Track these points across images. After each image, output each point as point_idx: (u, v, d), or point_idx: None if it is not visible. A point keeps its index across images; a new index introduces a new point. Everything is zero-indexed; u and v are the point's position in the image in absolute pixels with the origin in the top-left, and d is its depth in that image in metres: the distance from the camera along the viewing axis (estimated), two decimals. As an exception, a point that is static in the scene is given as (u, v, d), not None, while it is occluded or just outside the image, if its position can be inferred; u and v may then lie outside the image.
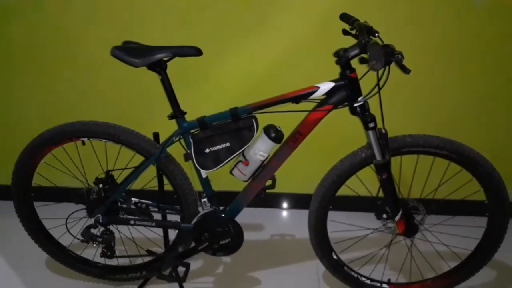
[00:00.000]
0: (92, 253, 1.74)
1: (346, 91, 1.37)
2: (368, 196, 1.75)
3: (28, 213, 1.69)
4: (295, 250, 1.99)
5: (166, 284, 1.73)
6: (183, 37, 1.94)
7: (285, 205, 2.35)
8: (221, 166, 1.49)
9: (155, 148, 1.53)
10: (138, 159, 1.61)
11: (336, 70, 1.39)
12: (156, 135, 1.64)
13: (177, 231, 1.69)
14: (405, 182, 1.68)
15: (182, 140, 1.51)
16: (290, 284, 1.78)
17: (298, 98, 1.39)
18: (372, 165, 1.46)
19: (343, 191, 1.55)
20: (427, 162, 1.57)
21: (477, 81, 1.96)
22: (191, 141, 1.48)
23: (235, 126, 1.45)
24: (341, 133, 2.01)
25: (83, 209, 1.61)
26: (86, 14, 1.94)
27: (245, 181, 1.55)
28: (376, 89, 1.36)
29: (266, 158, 1.50)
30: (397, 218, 1.50)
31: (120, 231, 1.75)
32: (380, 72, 1.30)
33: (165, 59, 1.42)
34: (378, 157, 1.41)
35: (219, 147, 1.47)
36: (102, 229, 1.60)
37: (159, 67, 1.43)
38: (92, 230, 1.58)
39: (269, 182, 1.58)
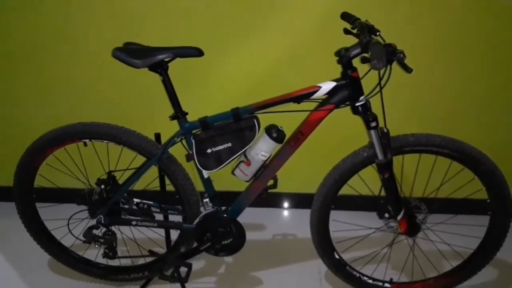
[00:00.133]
0: (94, 253, 1.74)
1: (348, 90, 1.37)
2: (370, 195, 1.75)
3: (30, 214, 1.69)
4: (297, 249, 1.99)
5: (168, 284, 1.73)
6: (184, 37, 1.93)
7: (287, 204, 2.35)
8: (223, 167, 1.49)
9: (157, 149, 1.53)
10: (140, 160, 1.61)
11: (337, 70, 1.39)
12: (157, 136, 1.64)
13: (179, 231, 1.69)
14: (407, 181, 1.68)
15: (183, 141, 1.51)
16: (292, 283, 1.78)
17: (300, 97, 1.39)
18: (374, 165, 1.46)
19: (345, 190, 1.54)
20: (429, 161, 1.56)
21: (478, 79, 1.96)
22: (193, 141, 1.48)
23: (237, 126, 1.45)
24: (343, 132, 2.01)
25: (85, 210, 1.61)
26: (86, 14, 1.94)
27: (247, 181, 1.55)
28: (377, 88, 1.36)
29: (268, 158, 1.50)
30: (399, 217, 1.50)
31: (122, 231, 1.75)
32: (382, 71, 1.30)
33: (167, 60, 1.42)
34: (380, 156, 1.41)
35: (221, 147, 1.47)
36: (104, 229, 1.60)
37: (161, 68, 1.43)
38: (94, 231, 1.58)
39: (271, 182, 1.58)
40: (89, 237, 1.57)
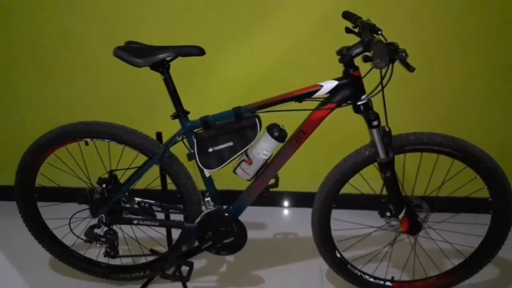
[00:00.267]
0: (96, 252, 1.74)
1: (350, 89, 1.36)
2: (371, 194, 1.76)
3: (31, 214, 1.69)
4: (298, 248, 2.00)
5: (170, 283, 1.74)
6: (185, 36, 1.93)
7: (288, 203, 2.35)
8: (224, 166, 1.49)
9: (158, 148, 1.53)
10: (141, 159, 1.60)
11: (339, 69, 1.39)
12: (159, 135, 1.63)
13: (180, 230, 1.69)
14: (409, 180, 1.68)
15: (185, 140, 1.51)
16: (294, 282, 1.78)
17: (302, 96, 1.39)
18: (375, 163, 1.46)
19: (346, 189, 1.54)
20: (430, 159, 1.56)
21: (479, 78, 1.96)
22: (194, 140, 1.48)
23: (238, 125, 1.45)
24: (345, 131, 2.01)
25: (86, 209, 1.61)
26: (87, 13, 1.94)
27: (248, 180, 1.55)
28: (379, 87, 1.35)
29: (270, 157, 1.49)
30: (400, 216, 1.50)
31: (124, 230, 1.75)
32: (384, 70, 1.30)
33: (168, 59, 1.42)
34: (381, 155, 1.41)
35: (222, 146, 1.46)
36: (105, 229, 1.60)
37: (162, 67, 1.43)
38: (96, 230, 1.59)
39: (272, 181, 1.58)
40: (91, 236, 1.57)
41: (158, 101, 2.01)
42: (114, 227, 1.62)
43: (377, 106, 1.39)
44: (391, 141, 1.40)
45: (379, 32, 1.29)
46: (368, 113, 1.37)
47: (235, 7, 1.87)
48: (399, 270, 1.78)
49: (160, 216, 1.67)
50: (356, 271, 1.67)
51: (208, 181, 1.56)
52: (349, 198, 1.79)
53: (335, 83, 1.36)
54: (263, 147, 1.46)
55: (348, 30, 1.42)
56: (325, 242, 1.61)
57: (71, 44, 2.00)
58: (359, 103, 1.37)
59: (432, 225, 1.61)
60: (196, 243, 1.64)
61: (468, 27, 1.86)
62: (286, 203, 2.35)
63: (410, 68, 1.22)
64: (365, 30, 1.25)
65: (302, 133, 1.44)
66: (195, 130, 1.49)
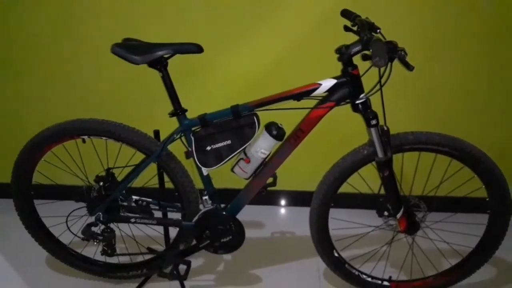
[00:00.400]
0: (93, 251, 1.74)
1: (348, 88, 1.36)
2: (369, 193, 1.75)
3: (28, 211, 1.68)
4: (296, 247, 1.99)
5: (167, 282, 1.73)
6: (183, 34, 1.93)
7: (286, 202, 2.34)
8: (222, 164, 1.48)
9: (156, 146, 1.52)
10: (139, 157, 1.60)
11: (337, 67, 1.38)
12: (156, 133, 1.63)
13: (178, 229, 1.68)
14: (407, 179, 1.68)
15: (183, 138, 1.50)
16: (291, 281, 1.78)
17: (300, 95, 1.38)
18: (373, 163, 1.46)
19: (344, 188, 1.54)
20: (428, 159, 1.56)
21: (478, 77, 1.96)
22: (192, 138, 1.48)
23: (237, 123, 1.44)
24: (343, 130, 2.01)
25: (83, 207, 1.61)
26: (86, 11, 1.93)
27: (246, 179, 1.55)
28: (378, 86, 1.35)
29: (268, 156, 1.49)
30: (398, 215, 1.50)
31: (121, 229, 1.74)
32: (382, 69, 1.29)
33: (166, 56, 1.41)
34: (380, 154, 1.41)
35: (220, 144, 1.46)
36: (102, 227, 1.60)
37: (160, 64, 1.42)
38: (93, 228, 1.58)
39: (270, 180, 1.57)
40: (88, 234, 1.57)
41: (156, 99, 2.01)
42: (112, 225, 1.62)
43: (376, 105, 1.38)
44: (390, 140, 1.40)
45: (378, 31, 1.28)
46: (367, 112, 1.37)
47: (235, 5, 1.87)
48: (397, 269, 1.78)
49: (158, 214, 1.66)
50: (353, 271, 1.67)
51: (206, 180, 1.56)
52: (347, 197, 1.78)
53: (334, 81, 1.36)
54: (261, 146, 1.45)
55: (346, 29, 1.42)
56: (323, 241, 1.61)
57: (70, 41, 1.99)
58: (357, 101, 1.36)
59: (429, 224, 1.61)
60: (194, 242, 1.63)
61: (468, 27, 1.86)
62: (284, 202, 2.34)
63: (409, 67, 1.22)
64: (364, 28, 1.25)
65: (301, 132, 1.44)
66: (193, 128, 1.49)
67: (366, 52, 1.28)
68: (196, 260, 1.87)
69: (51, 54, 2.03)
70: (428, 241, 1.72)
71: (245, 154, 1.49)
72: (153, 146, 1.53)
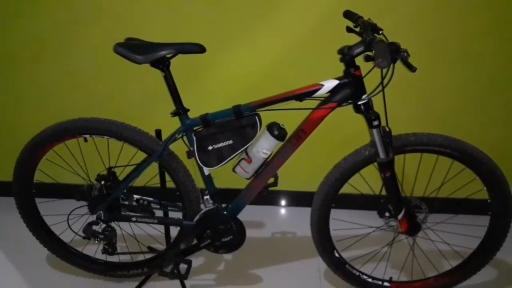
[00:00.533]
0: (94, 249, 1.74)
1: (350, 89, 1.36)
2: (371, 194, 1.75)
3: (29, 210, 1.68)
4: (296, 247, 1.99)
5: (168, 281, 1.73)
6: (185, 34, 1.93)
7: (287, 202, 2.34)
8: (224, 164, 1.49)
9: (158, 145, 1.53)
10: (141, 156, 1.60)
11: (339, 68, 1.38)
12: (158, 132, 1.63)
13: (179, 228, 1.68)
14: (408, 180, 1.68)
15: (184, 137, 1.51)
16: (292, 281, 1.78)
17: (302, 95, 1.38)
18: (375, 163, 1.46)
19: (346, 189, 1.54)
20: (430, 160, 1.56)
21: (479, 79, 1.96)
22: (194, 138, 1.48)
23: (238, 123, 1.44)
24: (345, 131, 2.01)
25: (84, 206, 1.61)
26: (87, 10, 1.93)
27: (247, 179, 1.55)
28: (380, 87, 1.35)
29: (269, 156, 1.49)
30: (399, 216, 1.50)
31: (122, 228, 1.74)
32: (385, 70, 1.29)
33: (168, 56, 1.41)
34: (381, 155, 1.41)
35: (222, 144, 1.46)
36: (103, 225, 1.60)
37: (162, 64, 1.42)
38: (94, 227, 1.58)
39: (271, 180, 1.57)
40: (89, 233, 1.57)
41: (158, 99, 2.01)
42: (113, 224, 1.62)
43: (378, 106, 1.38)
44: (391, 141, 1.40)
45: (380, 32, 1.29)
46: (369, 113, 1.37)
47: (236, 5, 1.87)
48: (398, 270, 1.78)
49: (159, 213, 1.66)
50: (354, 271, 1.67)
51: (207, 179, 1.56)
52: (349, 198, 1.79)
53: (336, 82, 1.36)
54: (263, 146, 1.45)
55: (349, 30, 1.42)
56: (323, 241, 1.61)
57: (72, 41, 1.99)
58: (359, 102, 1.36)
59: (431, 226, 1.61)
60: (195, 241, 1.63)
61: (469, 28, 1.85)
62: (285, 202, 2.34)
63: (411, 68, 1.22)
64: (366, 29, 1.25)
65: (302, 132, 1.44)
66: (195, 128, 1.49)
67: (369, 53, 1.28)
68: (197, 260, 1.87)
69: (52, 53, 2.03)
70: (429, 242, 1.72)
71: (247, 154, 1.49)
72: (155, 145, 1.53)
